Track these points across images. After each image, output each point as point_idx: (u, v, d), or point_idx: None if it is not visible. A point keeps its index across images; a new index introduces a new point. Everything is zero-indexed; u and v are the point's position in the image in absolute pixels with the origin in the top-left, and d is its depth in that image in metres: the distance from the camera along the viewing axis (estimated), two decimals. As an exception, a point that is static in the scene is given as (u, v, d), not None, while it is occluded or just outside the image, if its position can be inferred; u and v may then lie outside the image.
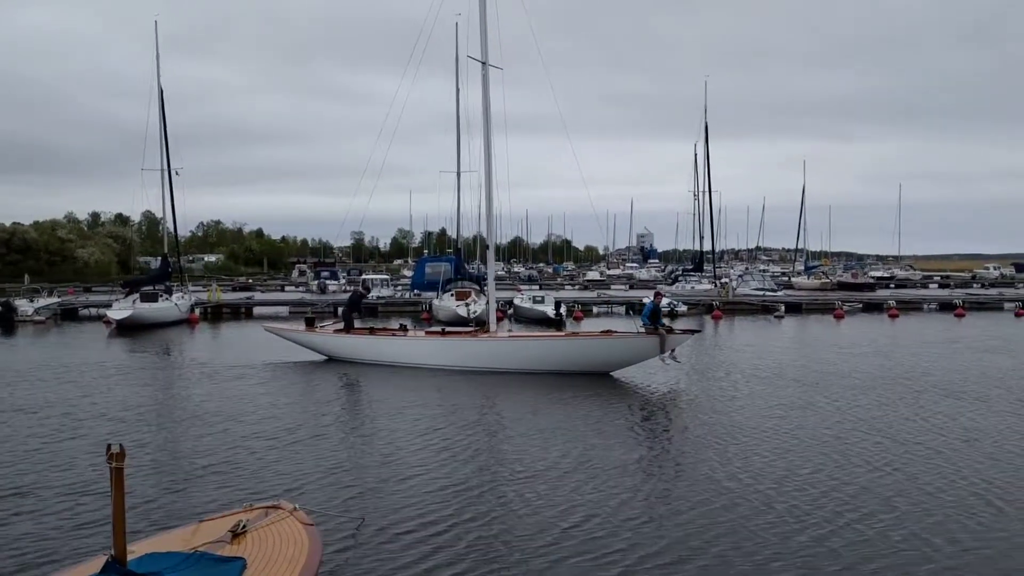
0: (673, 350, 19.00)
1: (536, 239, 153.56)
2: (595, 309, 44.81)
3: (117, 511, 5.10)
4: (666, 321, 20.38)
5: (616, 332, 20.53)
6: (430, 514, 8.71)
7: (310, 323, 23.75)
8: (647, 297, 46.24)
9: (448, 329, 22.58)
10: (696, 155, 56.05)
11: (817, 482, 10.08)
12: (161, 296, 37.87)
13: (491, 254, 24.64)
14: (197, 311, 40.01)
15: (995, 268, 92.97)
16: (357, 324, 23.88)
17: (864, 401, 15.87)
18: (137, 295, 37.45)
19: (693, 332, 20.08)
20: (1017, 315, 41.05)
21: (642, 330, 19.43)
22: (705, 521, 8.58)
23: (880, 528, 8.36)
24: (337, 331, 22.99)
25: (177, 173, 40.92)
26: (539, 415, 14.68)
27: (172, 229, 42.87)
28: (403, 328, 23.25)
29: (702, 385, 18.37)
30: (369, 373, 20.23)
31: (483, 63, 23.17)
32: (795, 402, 15.83)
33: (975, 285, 71.51)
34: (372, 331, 23.13)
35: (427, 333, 22.99)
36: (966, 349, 25.60)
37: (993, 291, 58.66)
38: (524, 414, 14.79)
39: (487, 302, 40.26)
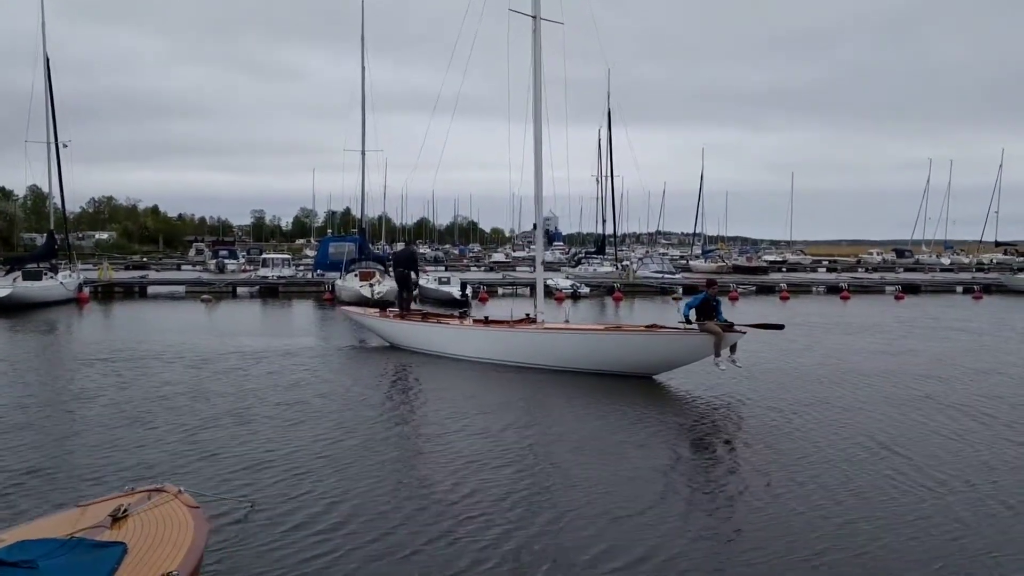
0: (733, 351, 15.78)
1: (443, 220, 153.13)
2: (500, 290, 45.19)
3: (-15, 498, 4.92)
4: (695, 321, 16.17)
5: (664, 327, 17.15)
6: (329, 502, 8.62)
7: (383, 307, 23.35)
8: (551, 279, 46.46)
9: (491, 318, 20.00)
10: (600, 140, 56.82)
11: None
12: (46, 274, 36.26)
13: (539, 233, 22.46)
14: (87, 290, 38.51)
15: (878, 254, 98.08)
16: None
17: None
18: (19, 273, 35.77)
19: (744, 332, 15.89)
20: (896, 298, 43.46)
21: (692, 326, 15.92)
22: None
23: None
24: (396, 316, 21.65)
25: (65, 146, 39.10)
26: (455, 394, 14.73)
27: (59, 204, 41.07)
28: (463, 315, 21.61)
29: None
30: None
31: (533, 17, 18.69)
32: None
33: (860, 270, 75.26)
34: (424, 317, 21.28)
35: (474, 322, 20.33)
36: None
37: (876, 275, 61.99)
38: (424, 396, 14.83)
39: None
